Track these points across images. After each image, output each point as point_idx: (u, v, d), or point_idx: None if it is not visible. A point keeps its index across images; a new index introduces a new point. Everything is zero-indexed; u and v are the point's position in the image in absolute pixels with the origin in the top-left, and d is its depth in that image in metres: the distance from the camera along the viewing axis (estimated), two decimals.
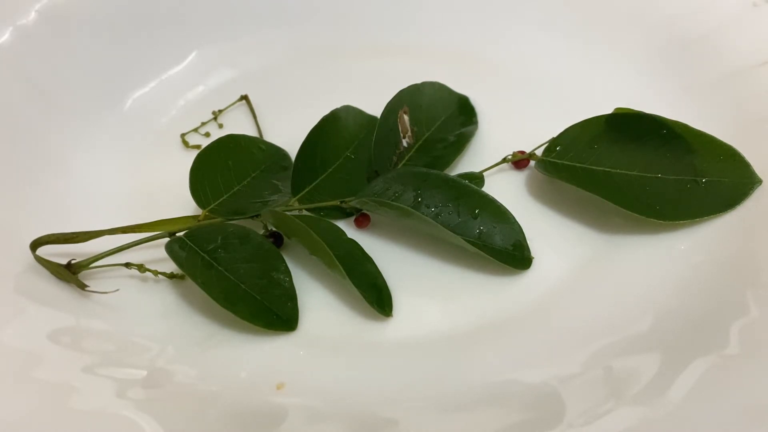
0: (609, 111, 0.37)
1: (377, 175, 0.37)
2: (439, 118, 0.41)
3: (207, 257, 0.33)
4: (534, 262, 0.35)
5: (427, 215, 0.34)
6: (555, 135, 0.37)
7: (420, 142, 0.40)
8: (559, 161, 0.37)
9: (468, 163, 0.40)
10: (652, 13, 0.44)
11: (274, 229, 0.37)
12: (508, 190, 0.38)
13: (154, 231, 0.35)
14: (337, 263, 0.32)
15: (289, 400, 0.30)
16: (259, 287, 0.33)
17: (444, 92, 0.43)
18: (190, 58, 0.47)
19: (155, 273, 0.35)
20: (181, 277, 0.35)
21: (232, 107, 0.46)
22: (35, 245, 0.33)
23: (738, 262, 0.32)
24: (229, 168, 0.38)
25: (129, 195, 0.40)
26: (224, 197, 0.37)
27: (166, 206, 0.37)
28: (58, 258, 0.34)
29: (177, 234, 0.35)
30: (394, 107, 0.40)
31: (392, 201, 0.35)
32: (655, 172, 0.35)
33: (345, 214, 0.38)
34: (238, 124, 0.45)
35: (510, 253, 0.34)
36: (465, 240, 0.34)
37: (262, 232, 0.36)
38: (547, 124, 0.38)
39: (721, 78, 0.40)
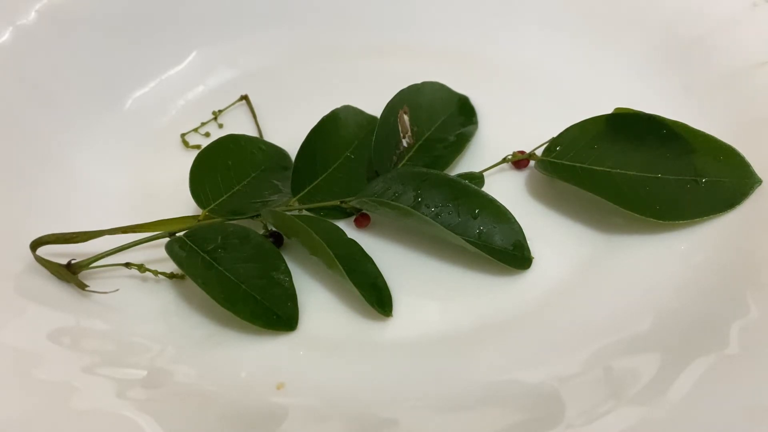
0: (609, 111, 0.37)
1: (377, 175, 0.37)
2: (439, 118, 0.41)
3: (207, 257, 0.33)
4: (534, 262, 0.35)
5: (427, 215, 0.34)
6: (555, 135, 0.37)
7: (420, 142, 0.40)
8: (559, 161, 0.37)
9: (468, 163, 0.40)
10: (652, 13, 0.44)
11: (274, 229, 0.37)
12: (508, 190, 0.38)
13: (154, 231, 0.35)
14: (337, 263, 0.32)
15: (289, 400, 0.30)
16: (259, 287, 0.33)
17: (444, 92, 0.43)
18: (190, 58, 0.47)
19: (155, 273, 0.35)
20: (181, 277, 0.35)
21: (232, 107, 0.46)
22: (35, 245, 0.33)
23: (738, 262, 0.32)
24: (229, 168, 0.38)
25: (129, 195, 0.40)
26: (224, 197, 0.37)
27: (166, 206, 0.37)
28: (58, 258, 0.34)
29: (177, 234, 0.35)
30: (394, 107, 0.40)
31: (392, 201, 0.35)
32: (655, 172, 0.35)
33: (345, 214, 0.38)
34: (238, 124, 0.45)
35: (510, 253, 0.34)
36: (465, 240, 0.34)
37: (262, 232, 0.36)
38: (547, 124, 0.38)
39: (721, 78, 0.40)
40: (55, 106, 0.42)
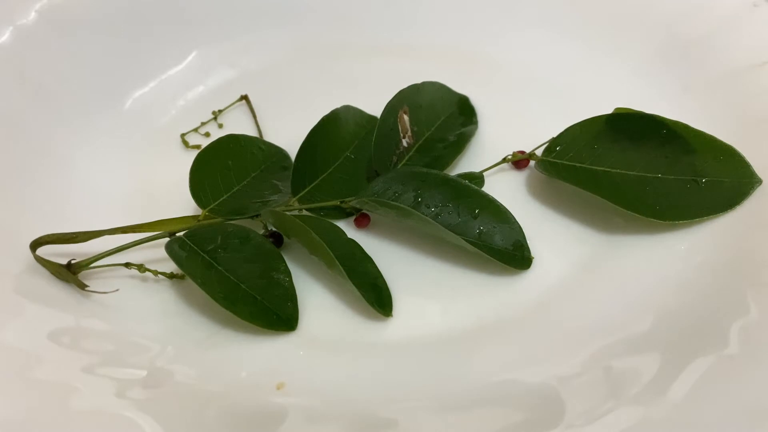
0: (609, 111, 0.37)
1: (377, 175, 0.37)
2: (439, 118, 0.41)
3: (207, 257, 0.33)
4: (534, 262, 0.35)
5: (427, 215, 0.34)
6: (555, 135, 0.37)
7: (420, 142, 0.40)
8: (559, 161, 0.37)
9: (468, 163, 0.40)
10: (652, 13, 0.44)
11: (274, 229, 0.37)
12: (508, 190, 0.38)
13: (154, 231, 0.35)
14: (337, 263, 0.32)
15: (289, 400, 0.30)
16: (259, 287, 0.33)
17: (444, 92, 0.43)
18: (190, 58, 0.47)
19: (155, 273, 0.35)
20: (181, 277, 0.35)
21: (232, 107, 0.46)
22: (35, 245, 0.33)
23: (738, 262, 0.32)
24: (229, 168, 0.38)
25: (129, 195, 0.40)
26: (224, 197, 0.37)
27: (166, 206, 0.37)
28: (58, 258, 0.34)
29: (177, 234, 0.35)
30: (394, 107, 0.39)
31: (392, 201, 0.35)
32: (655, 172, 0.35)
33: (345, 214, 0.38)
34: (238, 124, 0.45)
35: (510, 253, 0.34)
36: (465, 240, 0.34)
37: (262, 232, 0.36)
38: (547, 124, 0.38)
39: (721, 78, 0.40)
40: (55, 106, 0.42)
